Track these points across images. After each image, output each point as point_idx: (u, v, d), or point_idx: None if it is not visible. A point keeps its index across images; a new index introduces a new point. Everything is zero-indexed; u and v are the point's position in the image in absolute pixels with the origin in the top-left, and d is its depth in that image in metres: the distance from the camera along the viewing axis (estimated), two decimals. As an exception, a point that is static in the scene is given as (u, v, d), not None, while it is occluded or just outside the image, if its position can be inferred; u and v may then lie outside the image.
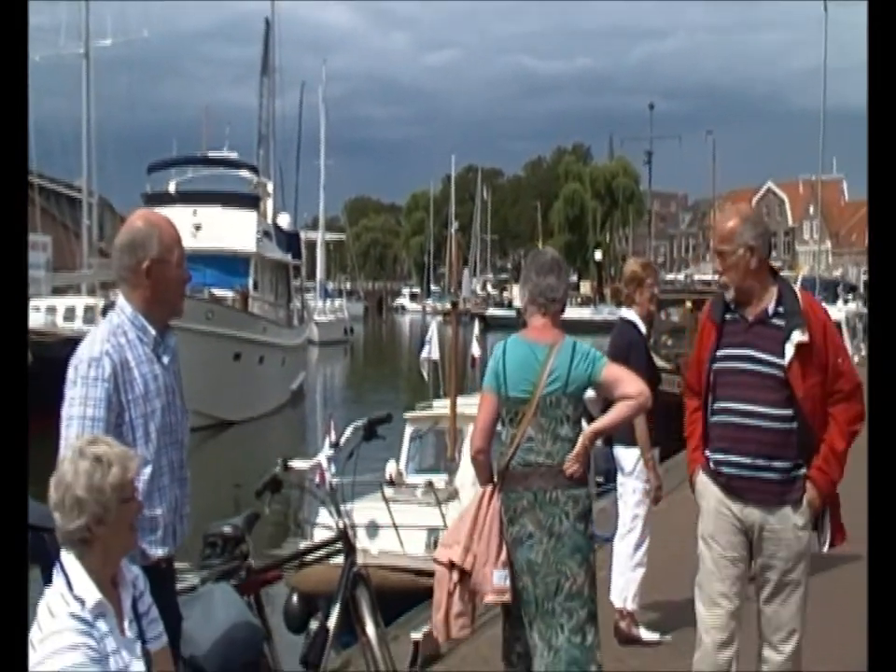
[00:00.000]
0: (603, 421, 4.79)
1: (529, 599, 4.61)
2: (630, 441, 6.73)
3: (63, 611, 2.99)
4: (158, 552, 3.73)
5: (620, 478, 7.05)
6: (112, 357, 3.63)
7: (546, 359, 4.60)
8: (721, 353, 4.65)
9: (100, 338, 3.70)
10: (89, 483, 3.04)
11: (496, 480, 4.73)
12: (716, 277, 5.10)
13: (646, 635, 6.92)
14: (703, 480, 4.71)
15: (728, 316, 4.70)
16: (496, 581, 4.53)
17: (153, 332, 3.79)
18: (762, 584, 4.67)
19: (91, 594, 3.05)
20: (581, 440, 4.62)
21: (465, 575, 4.58)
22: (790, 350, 4.48)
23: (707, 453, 4.69)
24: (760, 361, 4.55)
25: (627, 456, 6.88)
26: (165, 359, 3.84)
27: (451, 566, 4.60)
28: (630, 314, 7.03)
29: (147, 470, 3.65)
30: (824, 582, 6.79)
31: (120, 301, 3.81)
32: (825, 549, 4.76)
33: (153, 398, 3.72)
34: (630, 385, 4.63)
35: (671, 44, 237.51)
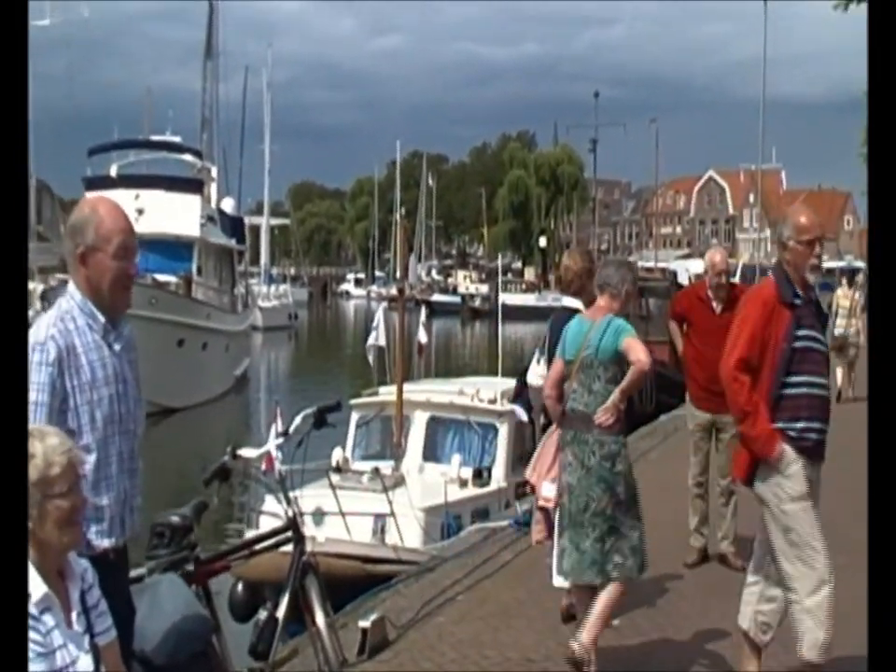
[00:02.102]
0: (623, 383, 5.68)
1: (564, 513, 5.72)
2: None
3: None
4: (104, 542, 3.66)
5: None
6: (57, 342, 3.58)
7: (588, 332, 5.76)
8: (801, 333, 5.22)
9: (46, 322, 3.65)
10: None
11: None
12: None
13: None
14: (788, 448, 5.20)
15: (797, 301, 5.26)
16: (544, 491, 5.93)
17: (102, 319, 3.73)
18: None
19: (37, 587, 2.98)
20: (611, 397, 5.61)
21: (534, 489, 6.02)
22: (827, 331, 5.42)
23: (782, 423, 5.19)
24: (820, 341, 5.35)
25: None
26: (117, 347, 3.78)
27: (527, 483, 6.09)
28: (576, 302, 7.04)
29: (92, 459, 3.60)
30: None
31: (70, 286, 3.77)
32: None
33: (101, 385, 3.67)
34: (635, 353, 5.62)
35: (616, 32, 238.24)
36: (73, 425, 3.57)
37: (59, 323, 3.65)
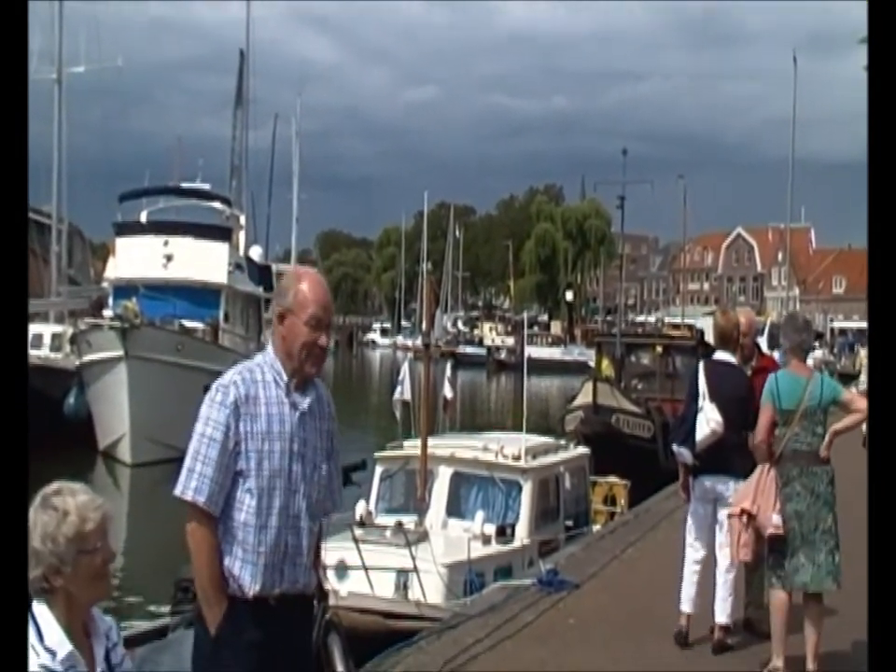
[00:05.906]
0: (839, 425, 6.82)
1: (795, 535, 6.77)
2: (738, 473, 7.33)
3: (33, 662, 2.93)
4: (255, 587, 3.76)
5: (719, 508, 7.48)
6: (238, 388, 3.81)
7: (806, 385, 6.84)
8: None
9: (237, 369, 3.93)
10: (43, 533, 3.02)
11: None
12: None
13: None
14: None
15: None
16: (775, 521, 6.74)
17: (286, 379, 3.89)
18: None
19: (62, 645, 2.99)
20: (827, 436, 6.78)
21: (751, 518, 6.80)
22: None
23: None
24: None
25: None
26: (303, 407, 3.90)
27: (741, 512, 6.83)
28: (730, 356, 7.71)
29: (253, 503, 3.76)
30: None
31: (269, 343, 4.05)
32: None
33: (274, 439, 3.81)
34: (858, 403, 6.85)
35: (646, 88, 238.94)
36: (242, 466, 3.77)
37: (245, 372, 3.89)
